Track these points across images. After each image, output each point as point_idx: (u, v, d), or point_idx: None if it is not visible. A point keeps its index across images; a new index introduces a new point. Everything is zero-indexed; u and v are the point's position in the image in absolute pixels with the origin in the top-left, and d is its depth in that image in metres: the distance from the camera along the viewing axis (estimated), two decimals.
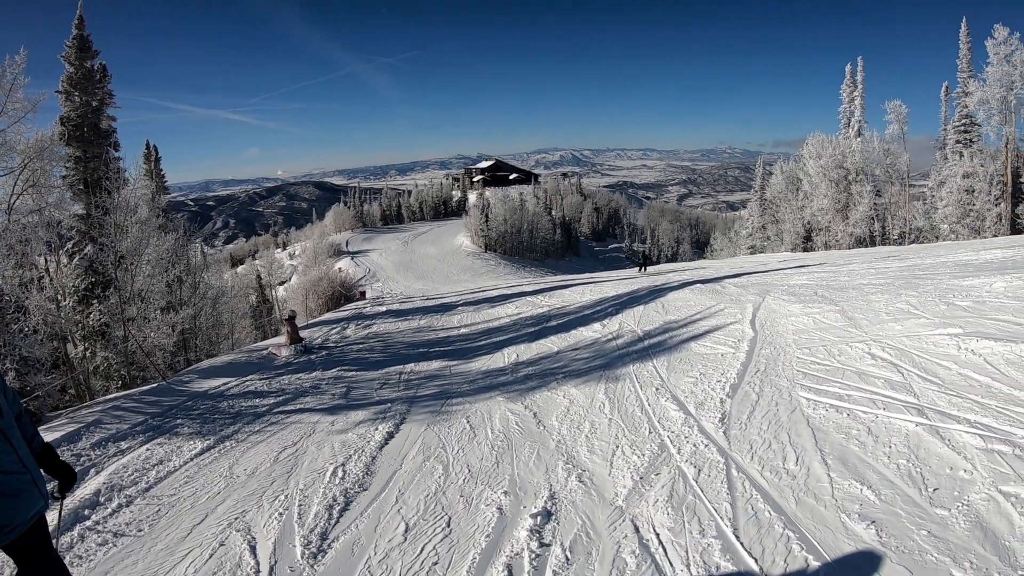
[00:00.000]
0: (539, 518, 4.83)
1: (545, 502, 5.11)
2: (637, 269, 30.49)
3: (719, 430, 5.98)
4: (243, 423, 8.58)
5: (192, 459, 7.18)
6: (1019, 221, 29.70)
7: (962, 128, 33.54)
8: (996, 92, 29.72)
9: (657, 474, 5.30)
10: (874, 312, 8.98)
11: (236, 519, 5.42)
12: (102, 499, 6.05)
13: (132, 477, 6.66)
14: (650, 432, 6.36)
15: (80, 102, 15.97)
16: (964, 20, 33.60)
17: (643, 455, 5.77)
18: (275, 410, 9.25)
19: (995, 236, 28.43)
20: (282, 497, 5.82)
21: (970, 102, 32.03)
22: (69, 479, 3.47)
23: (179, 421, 8.85)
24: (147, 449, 7.58)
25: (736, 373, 7.69)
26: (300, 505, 5.59)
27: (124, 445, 7.78)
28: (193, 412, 9.39)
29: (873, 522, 3.92)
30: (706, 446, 5.66)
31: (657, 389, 7.83)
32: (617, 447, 6.12)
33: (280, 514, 5.44)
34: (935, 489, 4.17)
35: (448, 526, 4.94)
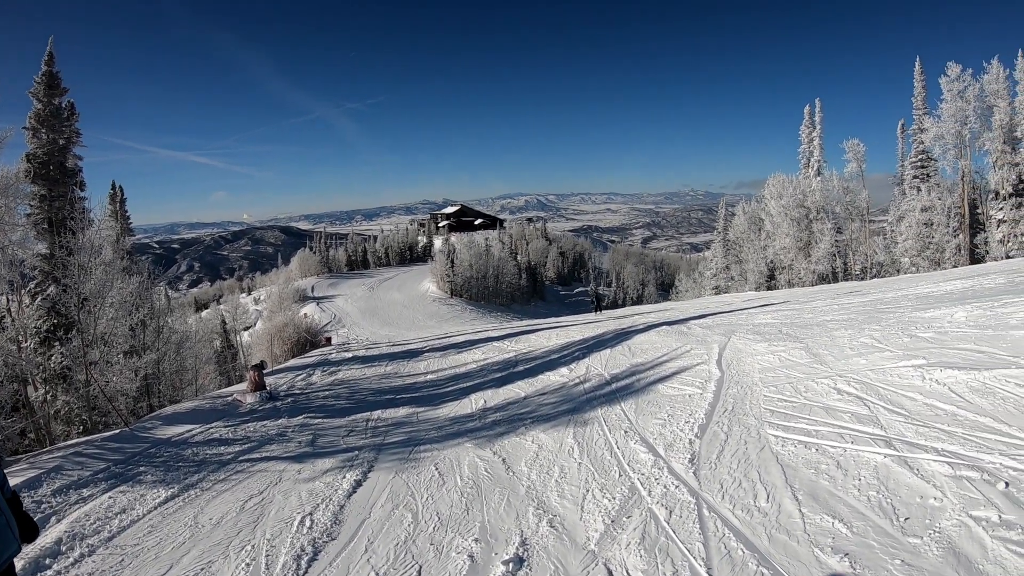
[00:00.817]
0: (511, 565, 4.81)
1: (517, 548, 5.08)
2: (593, 310, 31.28)
3: (689, 471, 6.01)
4: (208, 471, 8.42)
5: (156, 508, 7.03)
6: (977, 251, 30.58)
7: (919, 163, 34.59)
8: (951, 127, 30.70)
9: (628, 517, 5.30)
10: (838, 348, 9.10)
11: (202, 570, 5.30)
12: (64, 548, 5.90)
13: (94, 526, 6.50)
14: (620, 475, 6.38)
15: (47, 139, 15.74)
16: (918, 59, 34.92)
17: (614, 498, 5.78)
18: (240, 458, 9.08)
19: (955, 267, 29.20)
20: (249, 547, 5.71)
21: (926, 138, 33.02)
22: (31, 533, 3.39)
23: (142, 469, 8.65)
24: (110, 497, 7.41)
25: (704, 413, 7.72)
26: (267, 556, 5.49)
27: (86, 492, 7.61)
28: (156, 460, 9.18)
29: (846, 555, 3.97)
30: (677, 487, 5.68)
31: (626, 432, 7.85)
32: (587, 491, 6.12)
33: (247, 565, 5.33)
34: (906, 518, 4.23)
35: (419, 575, 4.88)
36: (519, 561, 4.87)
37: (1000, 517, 3.93)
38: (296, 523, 6.19)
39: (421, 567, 5.00)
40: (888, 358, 7.77)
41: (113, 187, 24.28)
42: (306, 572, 5.13)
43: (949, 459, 4.80)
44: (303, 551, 5.50)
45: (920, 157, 34.54)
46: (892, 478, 4.82)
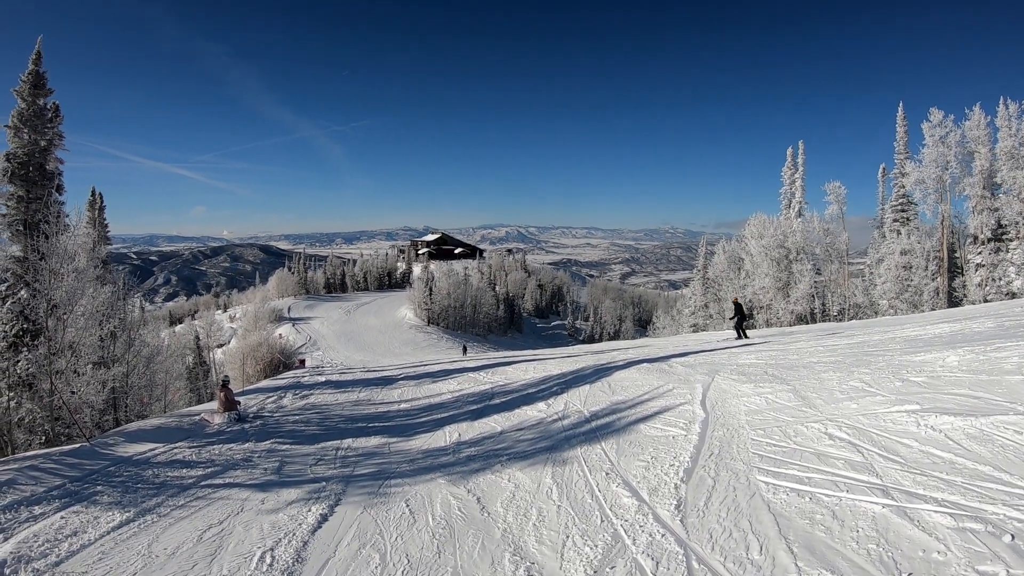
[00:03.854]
0: None
1: None
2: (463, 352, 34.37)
3: (675, 518, 5.65)
4: (167, 495, 8.06)
5: (109, 532, 6.68)
6: (955, 294, 30.92)
7: (899, 207, 35.18)
8: (932, 172, 31.32)
9: (612, 567, 4.99)
10: (828, 391, 8.72)
11: None
12: (7, 571, 5.59)
13: (42, 548, 6.17)
14: (602, 520, 6.04)
15: (28, 140, 15.36)
16: (900, 104, 35.78)
17: (596, 546, 5.46)
18: (202, 483, 8.73)
19: (933, 310, 29.36)
20: None
21: (907, 182, 33.64)
22: None
23: (99, 488, 8.31)
24: (62, 517, 7.08)
25: (689, 457, 7.29)
26: None
27: (38, 510, 7.29)
28: (115, 479, 8.81)
29: None
30: (663, 536, 5.33)
31: (607, 474, 7.48)
32: (568, 537, 5.79)
33: None
34: (909, 574, 3.96)
35: None
36: None
37: (1008, 572, 3.70)
38: (256, 559, 5.86)
39: None
40: (880, 403, 7.45)
41: (93, 193, 23.91)
42: None
43: (950, 510, 4.54)
44: None
45: (900, 201, 35.30)
46: (892, 530, 4.53)
